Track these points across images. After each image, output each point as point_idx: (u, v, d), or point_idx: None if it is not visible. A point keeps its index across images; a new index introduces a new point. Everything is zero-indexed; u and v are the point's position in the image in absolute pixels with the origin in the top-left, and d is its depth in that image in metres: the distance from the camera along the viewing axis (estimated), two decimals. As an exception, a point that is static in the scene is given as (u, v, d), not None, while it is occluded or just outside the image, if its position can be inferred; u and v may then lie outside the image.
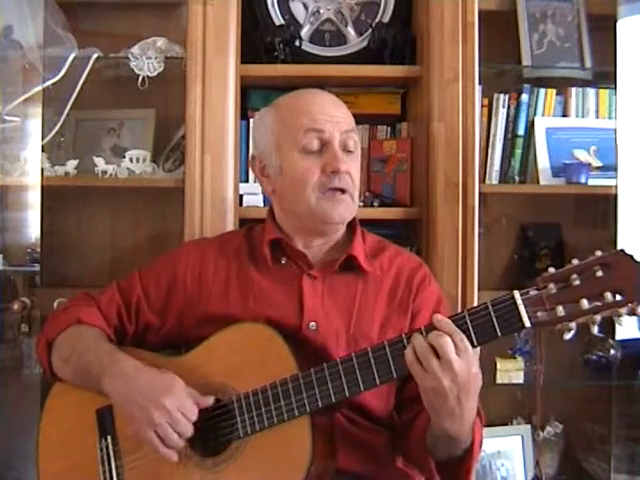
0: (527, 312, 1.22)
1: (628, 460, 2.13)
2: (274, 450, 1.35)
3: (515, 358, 2.12)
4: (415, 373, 1.25)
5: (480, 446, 1.39)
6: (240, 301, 1.50)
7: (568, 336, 1.22)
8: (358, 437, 1.47)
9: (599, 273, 1.19)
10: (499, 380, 2.09)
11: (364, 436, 1.47)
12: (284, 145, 1.49)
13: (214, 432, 1.39)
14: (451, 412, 1.26)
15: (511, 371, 2.11)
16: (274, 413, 1.35)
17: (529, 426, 2.17)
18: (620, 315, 1.19)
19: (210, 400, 1.38)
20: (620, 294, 1.19)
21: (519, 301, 1.23)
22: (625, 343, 2.13)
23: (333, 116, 1.48)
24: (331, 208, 1.46)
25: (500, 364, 2.10)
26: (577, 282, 1.20)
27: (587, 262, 1.21)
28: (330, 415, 1.40)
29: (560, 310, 1.21)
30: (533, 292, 1.23)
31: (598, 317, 1.20)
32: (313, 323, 1.47)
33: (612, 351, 2.13)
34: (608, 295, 1.19)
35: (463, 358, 1.23)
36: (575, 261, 1.23)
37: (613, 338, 2.11)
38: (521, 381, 2.12)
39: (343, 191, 1.46)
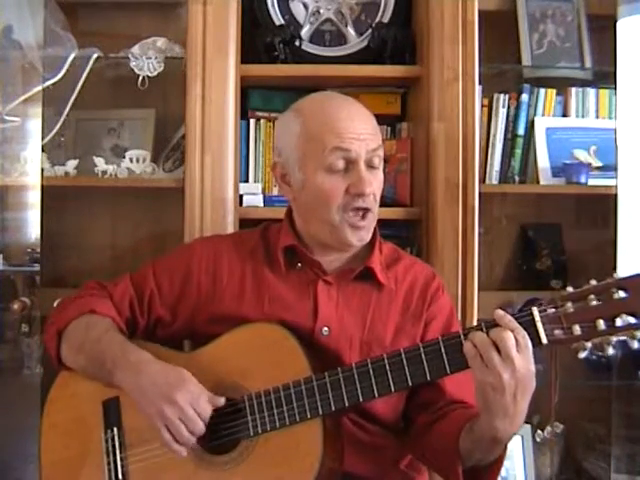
0: (545, 329, 1.23)
1: (628, 460, 2.13)
2: (284, 451, 1.34)
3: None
4: (475, 368, 1.24)
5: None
6: (254, 303, 1.49)
7: (583, 355, 1.24)
8: (364, 441, 1.46)
9: (616, 295, 1.21)
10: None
11: (370, 440, 1.47)
12: (309, 161, 1.44)
13: (224, 430, 1.38)
14: (505, 410, 1.24)
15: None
16: (286, 414, 1.34)
17: (529, 426, 2.17)
18: (635, 337, 1.22)
19: (222, 400, 1.37)
20: (636, 317, 1.21)
21: (537, 318, 1.24)
22: (625, 343, 2.13)
23: (360, 133, 1.43)
24: (352, 234, 1.44)
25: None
26: (594, 302, 1.22)
27: (605, 283, 1.23)
28: (337, 418, 1.39)
29: (577, 329, 1.22)
30: (551, 310, 1.24)
31: (614, 338, 1.22)
32: (326, 328, 1.46)
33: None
34: (625, 317, 1.20)
35: (523, 355, 1.23)
36: (593, 282, 1.24)
37: (613, 338, 2.11)
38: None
39: (365, 211, 1.44)
